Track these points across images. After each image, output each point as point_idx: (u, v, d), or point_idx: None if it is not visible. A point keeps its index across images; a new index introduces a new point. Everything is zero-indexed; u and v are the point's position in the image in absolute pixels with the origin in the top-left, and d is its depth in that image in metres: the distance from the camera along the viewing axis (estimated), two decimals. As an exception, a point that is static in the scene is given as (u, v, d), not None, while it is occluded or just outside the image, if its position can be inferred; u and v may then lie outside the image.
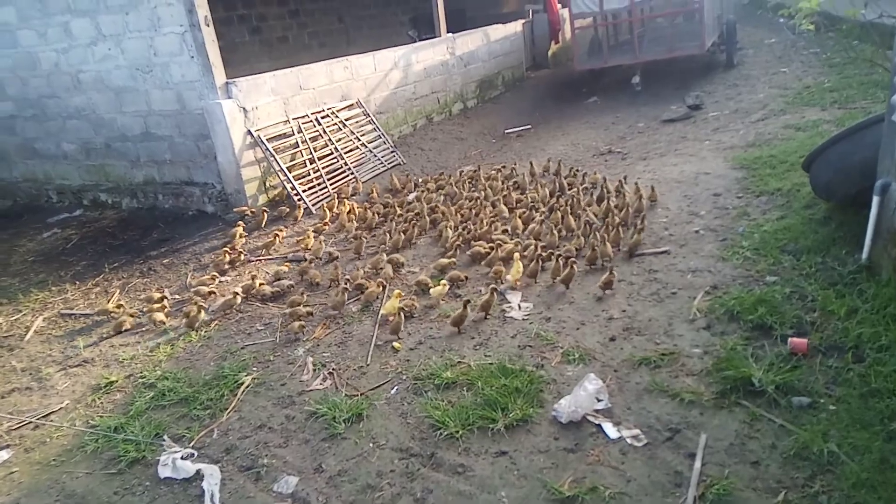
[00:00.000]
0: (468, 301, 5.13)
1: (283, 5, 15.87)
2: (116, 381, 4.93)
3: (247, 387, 4.64)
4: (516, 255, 5.92)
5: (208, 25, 7.31)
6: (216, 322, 5.71)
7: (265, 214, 7.62)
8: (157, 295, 6.15)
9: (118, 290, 6.59)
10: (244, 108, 7.75)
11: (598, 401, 3.94)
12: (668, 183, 7.55)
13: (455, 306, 5.32)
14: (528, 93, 14.54)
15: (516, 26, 15.05)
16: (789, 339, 4.23)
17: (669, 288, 5.25)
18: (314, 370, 4.77)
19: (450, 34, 12.17)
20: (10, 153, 10.01)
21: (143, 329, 5.78)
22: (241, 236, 7.17)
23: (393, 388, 4.42)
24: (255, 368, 4.90)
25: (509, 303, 5.42)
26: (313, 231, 7.26)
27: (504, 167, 8.74)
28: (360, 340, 5.11)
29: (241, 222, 7.45)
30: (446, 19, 16.22)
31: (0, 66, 9.24)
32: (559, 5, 16.45)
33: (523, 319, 5.11)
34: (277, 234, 7.08)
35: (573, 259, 5.63)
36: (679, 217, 6.61)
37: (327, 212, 7.61)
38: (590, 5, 12.56)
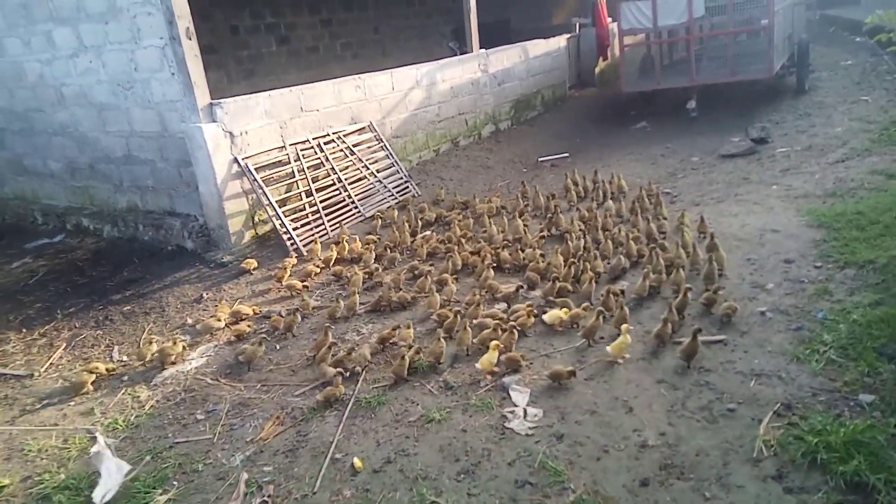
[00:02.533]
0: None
1: (315, 13, 15.04)
2: (8, 486, 3.92)
3: (155, 515, 3.57)
4: (494, 342, 4.61)
5: (190, 39, 6.36)
6: (151, 404, 4.67)
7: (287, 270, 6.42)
8: (100, 365, 5.12)
9: (64, 345, 5.66)
10: (230, 133, 6.77)
11: None
12: (726, 240, 6.17)
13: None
14: (570, 114, 13.24)
15: (560, 41, 13.79)
16: (903, 516, 2.92)
17: (726, 400, 3.96)
18: (245, 495, 3.65)
19: (483, 50, 11.02)
20: (1, 168, 9.34)
21: (69, 403, 4.79)
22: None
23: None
24: (175, 482, 3.81)
25: (514, 405, 4.20)
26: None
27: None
28: (314, 449, 3.97)
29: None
30: (489, 32, 15.18)
31: (-12, 77, 8.57)
32: (609, 19, 15.11)
33: (527, 435, 3.89)
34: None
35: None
36: (740, 289, 5.27)
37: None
38: (642, 20, 11.20)
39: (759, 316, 4.82)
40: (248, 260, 6.69)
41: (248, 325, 5.54)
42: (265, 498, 3.60)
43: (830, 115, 10.15)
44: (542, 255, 6.11)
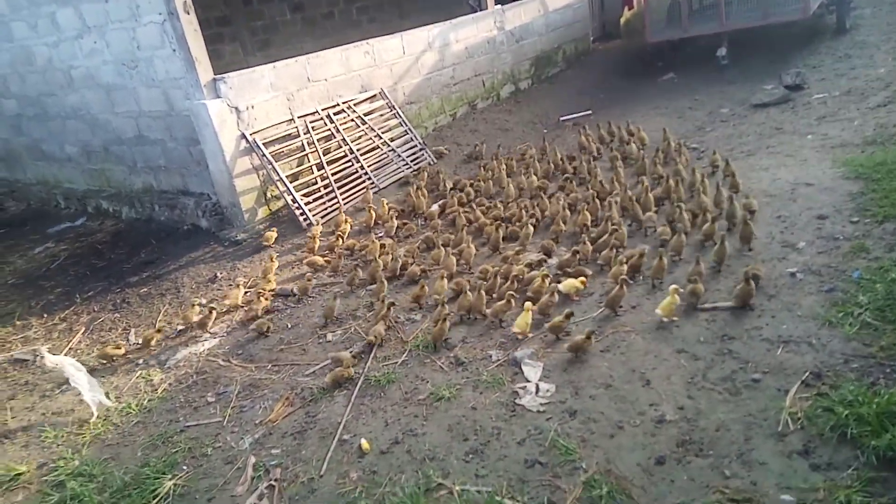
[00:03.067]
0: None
1: (330, -22, 14.65)
2: (24, 474, 3.97)
3: (163, 500, 3.56)
4: (528, 304, 4.54)
5: (188, 13, 6.19)
6: (164, 387, 4.66)
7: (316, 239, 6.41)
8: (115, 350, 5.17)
9: (83, 329, 5.71)
10: (236, 108, 6.63)
11: None
12: (756, 196, 5.82)
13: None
14: (594, 69, 12.69)
15: (581, -8, 13.15)
16: (941, 494, 2.70)
17: (750, 370, 3.73)
18: (252, 479, 3.61)
19: (498, 6, 10.57)
20: (21, 154, 9.47)
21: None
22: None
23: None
24: (185, 467, 3.80)
25: (526, 380, 4.05)
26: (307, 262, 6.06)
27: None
28: (322, 431, 3.91)
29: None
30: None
31: (1, 62, 8.56)
32: (634, -35, 14.36)
33: (539, 412, 3.74)
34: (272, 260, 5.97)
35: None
36: (769, 249, 4.97)
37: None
38: (667, -37, 10.56)
39: (789, 277, 4.53)
40: (267, 233, 6.64)
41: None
42: (272, 481, 3.56)
43: (873, 55, 9.46)
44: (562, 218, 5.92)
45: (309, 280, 5.62)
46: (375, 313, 5.00)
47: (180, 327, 5.45)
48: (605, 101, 10.61)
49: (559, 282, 4.97)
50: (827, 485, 2.90)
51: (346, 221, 6.63)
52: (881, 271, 4.30)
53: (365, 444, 3.70)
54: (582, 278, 4.92)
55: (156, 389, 4.65)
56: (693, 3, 12.49)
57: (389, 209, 6.83)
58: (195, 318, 5.34)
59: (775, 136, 7.34)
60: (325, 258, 6.06)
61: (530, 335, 4.48)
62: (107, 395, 4.56)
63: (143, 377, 4.84)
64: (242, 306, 5.59)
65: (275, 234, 6.61)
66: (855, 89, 8.17)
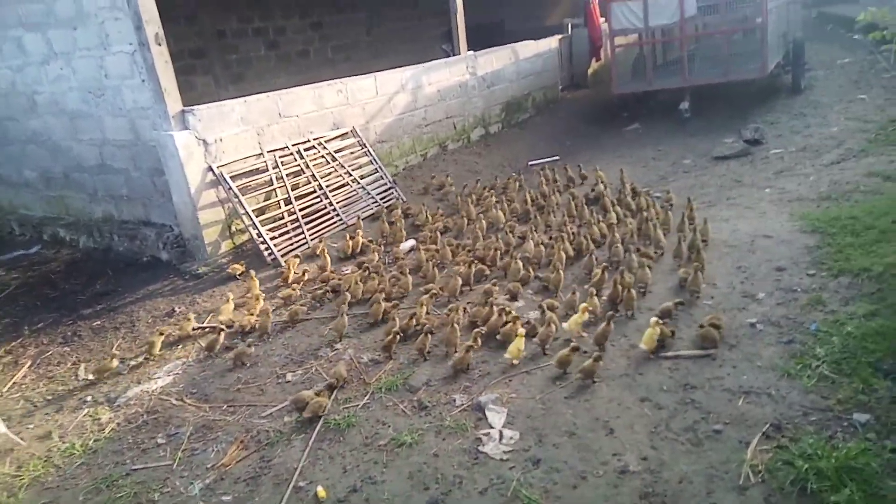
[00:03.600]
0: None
1: (306, 17, 14.83)
2: (-49, 519, 3.71)
3: (103, 552, 3.35)
4: (521, 330, 4.65)
5: (160, 44, 6.14)
6: (112, 426, 4.45)
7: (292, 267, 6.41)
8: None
9: (28, 363, 5.44)
10: (204, 141, 6.55)
11: None
12: (716, 247, 5.97)
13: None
14: (562, 117, 13.01)
15: (551, 42, 13.56)
16: (899, 552, 2.71)
17: (711, 421, 3.74)
18: (201, 528, 3.44)
19: (471, 52, 10.80)
20: (-24, 178, 9.15)
21: (27, 426, 4.57)
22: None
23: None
24: (129, 515, 3.60)
25: (489, 426, 3.98)
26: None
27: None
28: (277, 476, 3.75)
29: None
30: (483, 33, 14.93)
31: (-39, 85, 8.35)
32: (601, 19, 14.89)
33: (502, 460, 3.66)
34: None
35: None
36: (729, 299, 5.06)
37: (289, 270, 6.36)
38: (633, 20, 10.99)
39: (750, 328, 4.61)
40: (234, 265, 6.53)
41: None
42: (221, 532, 3.39)
43: (826, 114, 9.94)
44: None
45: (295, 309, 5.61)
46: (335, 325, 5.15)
47: (132, 363, 5.24)
48: (572, 148, 10.87)
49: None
50: (788, 541, 2.89)
51: (323, 251, 6.61)
52: (837, 324, 4.40)
53: (321, 491, 3.56)
54: (584, 305, 4.89)
55: (103, 429, 4.42)
56: (657, 58, 13.02)
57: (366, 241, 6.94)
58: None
59: (735, 188, 7.58)
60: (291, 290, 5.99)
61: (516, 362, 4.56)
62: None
63: (91, 415, 4.61)
64: (230, 325, 5.51)
65: (241, 268, 6.50)
66: (810, 146, 8.53)
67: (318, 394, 4.35)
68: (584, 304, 4.90)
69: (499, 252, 6.18)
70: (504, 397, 4.22)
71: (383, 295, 5.62)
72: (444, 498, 3.42)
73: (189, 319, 5.62)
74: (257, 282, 6.06)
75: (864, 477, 3.07)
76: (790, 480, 3.16)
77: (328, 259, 6.56)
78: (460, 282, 5.73)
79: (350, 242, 6.89)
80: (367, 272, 6.03)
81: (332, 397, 4.40)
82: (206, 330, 5.60)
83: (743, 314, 4.80)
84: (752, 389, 3.95)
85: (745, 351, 4.35)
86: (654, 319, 4.49)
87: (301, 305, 5.70)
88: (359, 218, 7.57)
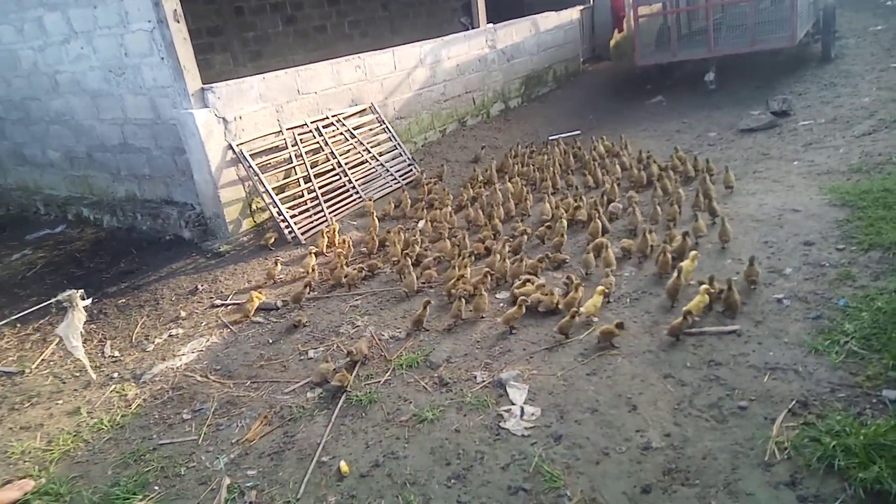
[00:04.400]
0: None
1: (322, -9, 14.66)
2: (-12, 491, 3.81)
3: (131, 524, 3.43)
4: (600, 288, 4.81)
5: (178, 21, 6.12)
6: (138, 402, 4.53)
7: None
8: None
9: (56, 340, 5.54)
10: (224, 119, 6.55)
11: None
12: (742, 221, 5.85)
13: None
14: (583, 90, 12.79)
15: (572, 14, 13.28)
16: (931, 529, 2.67)
17: (737, 397, 3.69)
18: (226, 501, 3.49)
19: (490, 25, 10.62)
20: (2, 159, 9.28)
21: (56, 402, 4.68)
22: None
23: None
24: (157, 487, 3.67)
25: (511, 403, 3.98)
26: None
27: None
28: (300, 451, 3.80)
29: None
30: (501, 5, 14.68)
31: (-16, 66, 8.45)
32: (624, -11, 14.54)
33: (524, 436, 3.66)
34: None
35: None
36: (755, 275, 4.95)
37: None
38: (656, -11, 10.70)
39: (776, 304, 4.52)
40: (267, 235, 6.70)
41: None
42: (247, 504, 3.44)
43: (857, 84, 9.62)
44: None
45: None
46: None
47: (157, 340, 5.32)
48: (594, 122, 10.67)
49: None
50: (814, 518, 2.85)
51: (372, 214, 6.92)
52: (867, 300, 4.29)
53: (344, 466, 3.60)
54: (601, 288, 4.81)
55: (129, 405, 4.51)
56: (682, 28, 12.68)
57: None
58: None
59: (762, 161, 7.39)
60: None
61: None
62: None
63: (118, 391, 4.70)
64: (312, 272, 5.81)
65: (274, 236, 6.70)
66: (840, 117, 8.28)
67: (337, 371, 4.38)
68: (600, 287, 4.83)
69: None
70: (525, 374, 4.21)
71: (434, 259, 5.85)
72: (466, 473, 3.43)
73: (276, 265, 6.05)
74: (314, 254, 6.17)
75: (893, 454, 3.00)
76: (817, 457, 3.11)
77: (376, 223, 6.74)
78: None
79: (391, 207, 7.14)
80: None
81: (355, 373, 4.43)
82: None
83: (769, 290, 4.70)
84: (778, 366, 3.88)
85: (772, 327, 4.27)
86: (703, 287, 4.50)
87: (355, 269, 5.83)
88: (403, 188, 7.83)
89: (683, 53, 11.17)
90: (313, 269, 5.83)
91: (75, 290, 4.79)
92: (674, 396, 3.78)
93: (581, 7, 14.21)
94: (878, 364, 3.71)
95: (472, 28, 10.68)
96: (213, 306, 5.78)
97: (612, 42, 14.96)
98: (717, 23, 11.30)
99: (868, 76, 9.90)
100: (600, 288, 4.81)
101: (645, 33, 11.74)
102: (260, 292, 5.64)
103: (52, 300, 4.86)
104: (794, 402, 3.54)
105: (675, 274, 4.78)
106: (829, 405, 3.48)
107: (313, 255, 6.06)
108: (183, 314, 5.70)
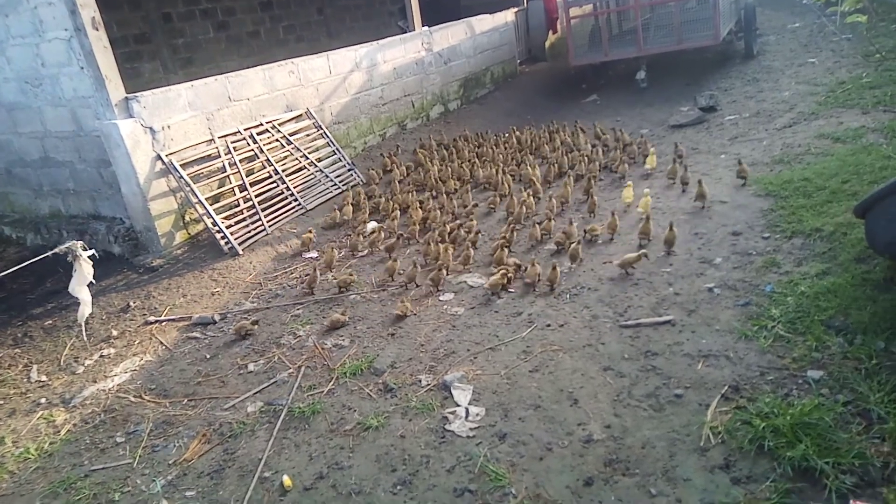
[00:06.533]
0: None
1: (254, -4, 14.36)
2: None
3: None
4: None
5: (97, 29, 5.87)
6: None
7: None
8: None
9: (-22, 368, 5.24)
10: (151, 129, 6.33)
11: None
12: (673, 214, 6.04)
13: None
14: (521, 91, 12.97)
15: (507, 16, 13.45)
16: (851, 502, 2.80)
17: (672, 386, 3.79)
18: (163, 526, 3.37)
19: (426, 28, 10.64)
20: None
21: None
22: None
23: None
24: (88, 518, 3.50)
25: (455, 404, 3.97)
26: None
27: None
28: (242, 468, 3.69)
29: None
30: (439, 8, 14.71)
31: None
32: (556, -9, 14.82)
33: (469, 437, 3.66)
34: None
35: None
36: (687, 266, 5.12)
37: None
38: (587, -9, 10.96)
39: (707, 293, 4.67)
40: (306, 234, 6.67)
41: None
42: (185, 528, 3.32)
43: (778, 79, 10.09)
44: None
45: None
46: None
47: (87, 362, 5.08)
48: (533, 122, 10.81)
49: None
50: (747, 499, 2.95)
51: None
52: (791, 285, 4.49)
53: (287, 480, 3.51)
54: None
55: (58, 431, 4.29)
56: (613, 28, 13.02)
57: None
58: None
59: (692, 155, 7.65)
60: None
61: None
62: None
63: (45, 418, 4.47)
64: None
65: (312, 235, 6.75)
66: (763, 111, 8.66)
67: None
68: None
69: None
70: (470, 374, 4.22)
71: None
72: (412, 478, 3.41)
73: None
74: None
75: (818, 432, 3.14)
76: (748, 439, 3.22)
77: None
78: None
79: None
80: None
81: (297, 386, 4.34)
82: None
83: (700, 279, 4.86)
84: (710, 353, 4.01)
85: (704, 315, 4.41)
86: (646, 190, 5.81)
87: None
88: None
89: (615, 53, 11.47)
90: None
91: (75, 241, 5.04)
92: (613, 388, 3.85)
93: (515, 9, 14.40)
94: (803, 346, 3.87)
95: (409, 31, 10.68)
96: (147, 323, 5.58)
97: (547, 43, 15.23)
98: (645, 23, 11.67)
99: (787, 71, 10.40)
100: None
101: (577, 34, 12.01)
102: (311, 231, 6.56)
103: (51, 252, 5.05)
104: (726, 388, 3.66)
105: (644, 218, 5.69)
106: (758, 388, 3.61)
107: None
108: (115, 333, 5.48)
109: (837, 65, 10.10)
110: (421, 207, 6.89)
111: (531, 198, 6.66)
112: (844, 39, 11.49)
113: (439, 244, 5.83)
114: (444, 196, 7.11)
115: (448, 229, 6.22)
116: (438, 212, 6.77)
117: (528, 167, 7.66)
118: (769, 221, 5.48)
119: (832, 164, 6.15)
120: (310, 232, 6.65)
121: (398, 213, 6.85)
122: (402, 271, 5.66)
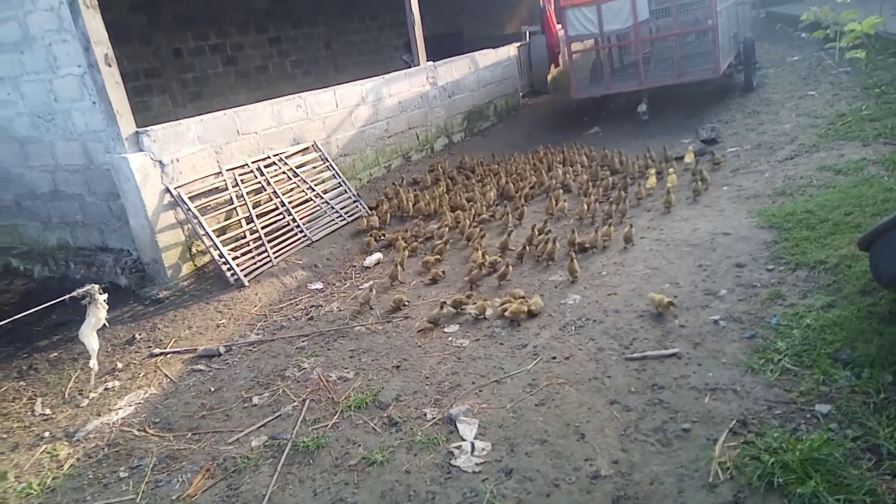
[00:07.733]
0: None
1: (263, 32, 14.70)
2: None
3: None
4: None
5: (110, 65, 6.01)
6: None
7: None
8: None
9: (-19, 401, 5.23)
10: (160, 162, 6.42)
11: None
12: (677, 246, 6.06)
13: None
14: (523, 123, 13.13)
15: (510, 50, 13.69)
16: (864, 540, 2.76)
17: (680, 420, 3.76)
18: (166, 564, 3.32)
19: (430, 62, 10.83)
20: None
21: (-17, 468, 4.39)
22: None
23: None
24: (89, 555, 3.46)
25: (461, 438, 3.94)
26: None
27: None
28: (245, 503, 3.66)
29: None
30: (442, 43, 15.00)
31: None
32: (558, 26, 15.10)
33: (475, 472, 3.63)
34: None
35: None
36: (692, 298, 5.12)
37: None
38: (588, 26, 11.17)
39: (713, 325, 4.66)
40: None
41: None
42: (188, 565, 3.28)
43: (778, 111, 10.20)
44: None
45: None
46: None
47: (91, 395, 5.07)
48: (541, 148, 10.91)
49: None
50: (758, 536, 2.91)
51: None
52: (797, 317, 4.48)
53: (291, 517, 3.48)
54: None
55: (62, 465, 4.27)
56: (614, 62, 13.23)
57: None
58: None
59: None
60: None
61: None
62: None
63: (48, 452, 4.45)
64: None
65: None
66: (764, 143, 8.74)
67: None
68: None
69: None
70: (475, 408, 4.19)
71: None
72: (418, 515, 3.38)
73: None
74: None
75: (827, 468, 3.11)
76: (757, 475, 3.18)
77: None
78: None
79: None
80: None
81: (301, 420, 4.32)
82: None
83: (706, 311, 4.86)
84: (717, 386, 3.99)
85: (710, 348, 4.40)
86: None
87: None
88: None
89: (616, 86, 11.64)
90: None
91: (93, 285, 5.04)
92: (620, 422, 3.83)
93: (518, 44, 14.67)
94: (810, 379, 3.85)
95: (414, 66, 10.88)
96: (152, 355, 5.58)
97: (549, 77, 15.46)
98: (646, 56, 11.86)
99: (787, 103, 10.52)
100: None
101: (579, 68, 12.22)
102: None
103: (68, 296, 5.06)
104: (734, 422, 3.63)
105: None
106: (766, 422, 3.58)
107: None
108: (120, 365, 5.48)
109: (837, 97, 10.22)
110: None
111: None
112: (843, 72, 11.65)
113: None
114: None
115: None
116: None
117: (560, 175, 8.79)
118: (773, 253, 5.50)
119: (834, 196, 6.18)
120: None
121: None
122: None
